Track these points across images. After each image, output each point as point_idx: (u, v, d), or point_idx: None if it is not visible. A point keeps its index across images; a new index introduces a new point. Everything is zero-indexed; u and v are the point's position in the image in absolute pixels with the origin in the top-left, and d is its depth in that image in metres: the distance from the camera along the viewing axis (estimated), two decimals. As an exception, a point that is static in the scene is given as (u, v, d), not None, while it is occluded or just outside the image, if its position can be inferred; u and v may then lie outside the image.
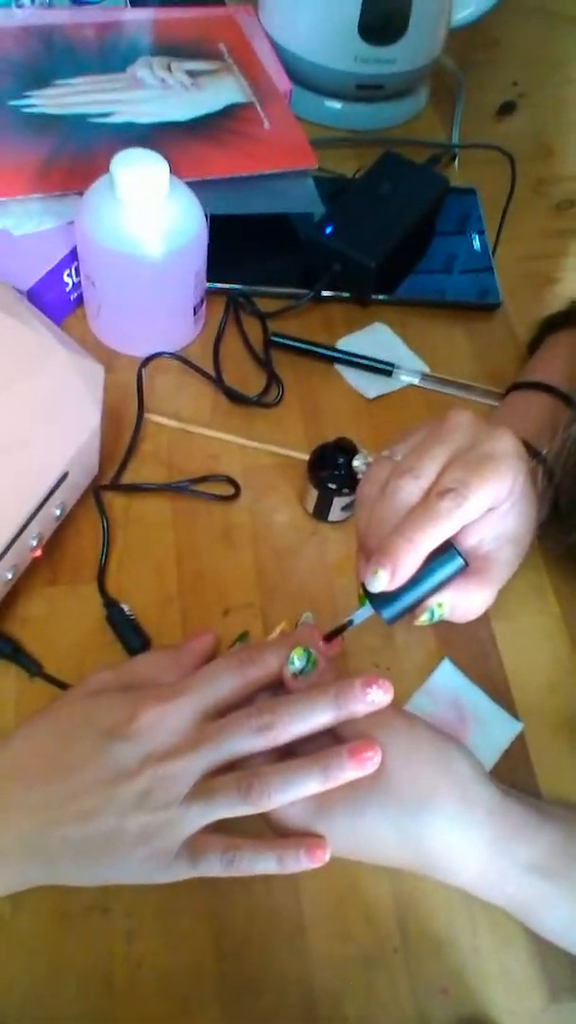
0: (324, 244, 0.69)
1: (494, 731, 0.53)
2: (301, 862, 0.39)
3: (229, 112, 0.75)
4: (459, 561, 0.42)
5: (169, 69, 0.77)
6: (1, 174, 0.66)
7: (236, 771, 0.40)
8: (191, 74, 0.77)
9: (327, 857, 0.39)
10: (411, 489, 0.42)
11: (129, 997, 0.43)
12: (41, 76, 0.73)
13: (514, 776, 0.51)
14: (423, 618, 0.43)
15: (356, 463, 0.50)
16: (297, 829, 0.40)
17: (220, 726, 0.41)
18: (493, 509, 0.43)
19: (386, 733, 0.40)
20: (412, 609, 0.43)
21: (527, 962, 0.46)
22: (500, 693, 0.54)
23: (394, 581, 0.41)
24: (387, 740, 0.40)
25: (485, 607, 0.45)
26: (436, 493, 0.41)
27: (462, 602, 0.44)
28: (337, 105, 0.88)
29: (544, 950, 0.46)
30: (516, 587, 0.57)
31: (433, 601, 0.43)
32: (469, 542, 0.44)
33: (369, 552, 0.46)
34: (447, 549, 0.42)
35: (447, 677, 0.54)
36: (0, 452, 0.45)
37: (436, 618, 0.44)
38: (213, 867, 0.39)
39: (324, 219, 0.70)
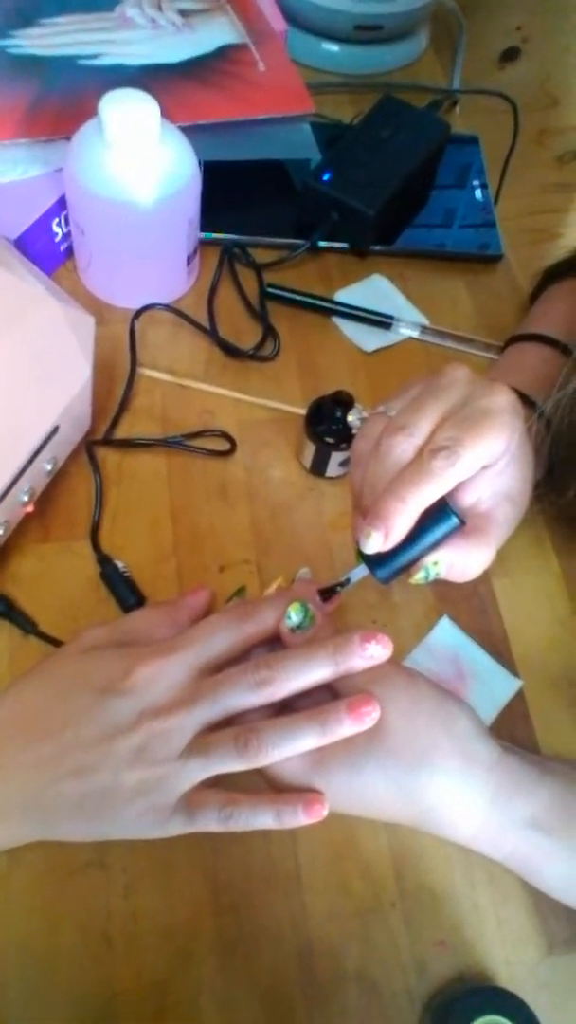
0: (321, 192, 0.67)
1: (493, 688, 0.52)
2: (299, 817, 0.39)
3: (222, 54, 0.72)
4: (454, 520, 0.41)
5: (160, 8, 0.73)
6: (-14, 118, 0.63)
7: (233, 726, 0.40)
8: (183, 13, 0.74)
9: (325, 812, 0.39)
10: (404, 447, 0.41)
11: (127, 951, 0.43)
12: (25, 14, 0.70)
13: (513, 733, 0.51)
14: (418, 576, 0.42)
15: (351, 418, 0.49)
16: (294, 785, 0.40)
17: (217, 681, 0.40)
18: (489, 467, 0.42)
19: (386, 688, 0.40)
20: (408, 568, 0.42)
21: (524, 915, 0.46)
22: (499, 650, 0.54)
23: (387, 542, 0.40)
24: (387, 695, 0.39)
25: (484, 566, 0.44)
26: (429, 451, 0.40)
27: (460, 561, 0.43)
28: (334, 47, 0.85)
29: (541, 904, 0.46)
30: (516, 544, 0.56)
31: (428, 560, 0.42)
32: (466, 501, 0.43)
33: (364, 510, 0.45)
34: (442, 507, 0.41)
35: (446, 634, 0.54)
36: (-12, 404, 0.44)
37: (432, 577, 0.43)
38: (210, 822, 0.39)
39: (321, 166, 0.68)
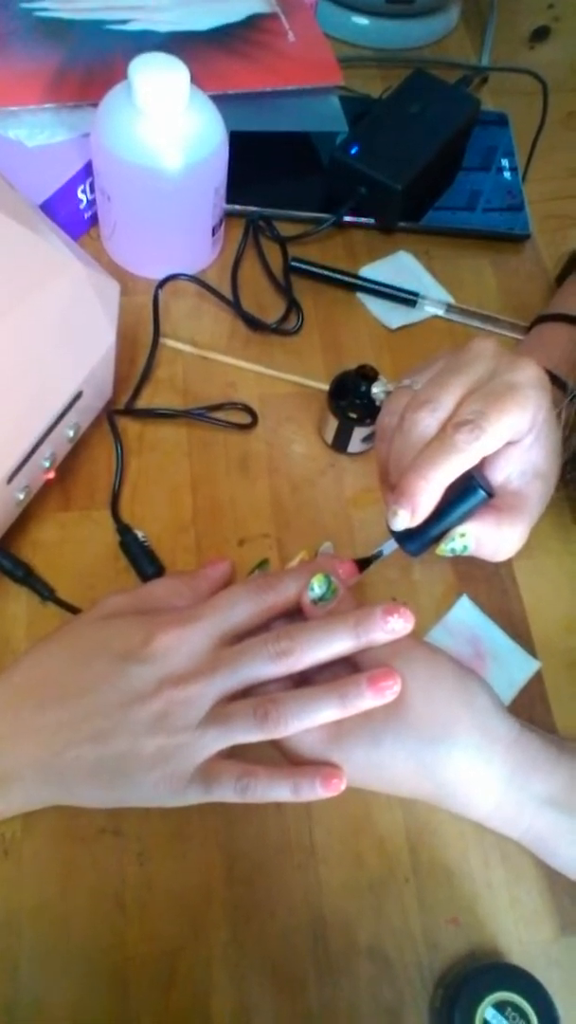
0: (349, 165, 0.66)
1: (511, 668, 0.52)
2: (317, 791, 0.38)
3: (252, 23, 0.71)
4: (481, 493, 0.41)
5: (189, -25, 0.72)
6: (14, 81, 0.62)
7: (252, 697, 0.40)
8: (212, -19, 0.73)
9: (343, 787, 0.39)
10: (428, 422, 0.41)
11: (140, 918, 0.43)
12: (54, -22, 0.69)
13: (531, 714, 0.51)
14: (445, 548, 0.42)
15: (375, 390, 0.48)
16: (312, 758, 0.39)
17: (237, 651, 0.40)
18: (516, 443, 0.42)
19: (406, 662, 0.40)
20: (437, 540, 0.42)
21: (538, 895, 0.46)
22: (518, 631, 0.53)
23: (415, 519, 0.40)
24: (407, 670, 0.39)
25: (519, 545, 0.44)
26: (452, 425, 0.39)
27: (494, 541, 0.43)
28: (364, 21, 0.83)
29: (555, 883, 0.46)
30: (538, 526, 0.55)
31: (457, 531, 0.42)
32: (496, 479, 0.43)
33: (390, 485, 0.44)
34: (468, 481, 0.40)
35: (465, 613, 0.53)
36: (13, 367, 0.43)
37: (460, 550, 0.42)
38: (227, 793, 0.39)
39: (349, 139, 0.67)
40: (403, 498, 0.40)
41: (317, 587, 0.41)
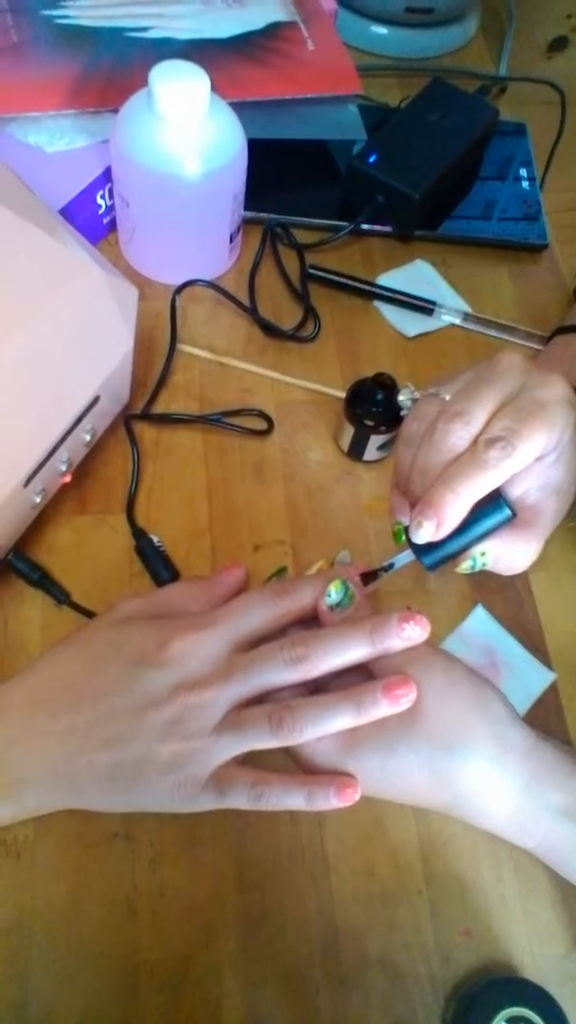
0: (367, 173, 0.66)
1: (526, 680, 0.52)
2: (331, 800, 0.38)
3: (271, 31, 0.71)
4: (506, 512, 0.40)
5: (210, -17, 0.73)
6: (34, 88, 0.63)
7: (267, 704, 0.40)
8: (233, -10, 0.73)
9: (357, 797, 0.38)
10: (460, 435, 0.40)
11: (151, 924, 0.43)
12: (76, -14, 0.70)
13: (546, 726, 0.50)
14: (465, 566, 0.42)
15: (401, 397, 0.48)
16: (326, 766, 0.39)
17: (252, 657, 0.40)
18: (540, 458, 0.41)
19: (422, 670, 0.39)
20: (455, 557, 0.42)
21: (551, 908, 0.45)
22: (534, 642, 0.53)
23: (439, 533, 0.40)
24: (423, 678, 0.39)
25: (532, 560, 0.43)
26: (484, 441, 0.39)
27: (508, 554, 0.42)
28: (383, 30, 0.84)
29: (569, 897, 0.46)
30: (554, 538, 0.55)
31: (477, 550, 0.42)
32: (515, 493, 0.43)
33: (408, 492, 0.44)
34: (495, 499, 0.40)
35: (480, 623, 0.53)
36: (31, 371, 0.44)
37: (479, 567, 0.42)
38: (240, 800, 0.39)
39: (367, 148, 0.67)
40: (429, 509, 0.39)
41: (334, 593, 0.41)
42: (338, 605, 0.41)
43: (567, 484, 0.44)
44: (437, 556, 0.42)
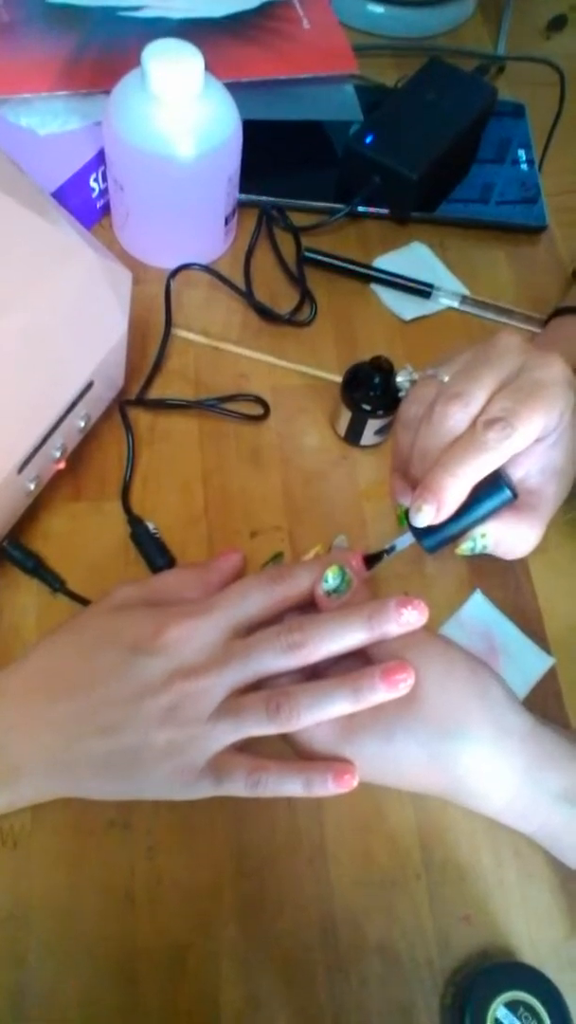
0: (363, 155, 0.65)
1: (525, 665, 0.51)
2: (328, 787, 0.38)
3: (266, 10, 0.70)
4: (507, 493, 0.40)
5: (203, -39, 0.72)
6: (26, 69, 0.62)
7: (264, 690, 0.39)
8: (227, -32, 0.72)
9: (355, 782, 0.38)
10: (459, 416, 0.40)
11: (149, 912, 0.43)
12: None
13: (545, 710, 0.50)
14: (465, 547, 0.42)
15: (399, 378, 0.47)
16: (323, 752, 0.39)
17: (249, 643, 0.40)
18: (540, 440, 0.41)
19: (420, 656, 0.39)
20: (455, 539, 0.42)
21: (550, 894, 0.45)
22: (532, 627, 0.52)
23: (439, 516, 0.40)
24: (421, 663, 0.39)
25: (534, 544, 0.43)
26: (483, 423, 0.39)
27: (510, 537, 0.42)
28: (379, 9, 0.82)
29: (568, 882, 0.45)
30: (553, 522, 0.55)
31: (478, 531, 0.41)
32: (515, 475, 0.42)
33: (408, 476, 0.44)
34: (495, 480, 0.40)
35: (478, 608, 0.53)
36: (24, 356, 0.43)
37: (479, 549, 0.42)
38: (237, 787, 0.38)
39: (363, 128, 0.66)
40: (429, 492, 0.39)
41: (332, 578, 0.41)
42: (335, 591, 0.41)
43: (567, 466, 0.44)
44: (437, 538, 0.41)
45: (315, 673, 0.41)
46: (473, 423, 0.40)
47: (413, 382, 0.45)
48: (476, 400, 0.40)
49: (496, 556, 0.44)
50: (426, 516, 0.39)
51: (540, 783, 0.39)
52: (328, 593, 0.41)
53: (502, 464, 0.40)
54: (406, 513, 0.41)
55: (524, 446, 0.40)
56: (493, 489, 0.40)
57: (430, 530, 0.41)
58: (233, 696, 0.39)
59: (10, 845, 0.43)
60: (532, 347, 0.42)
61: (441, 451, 0.40)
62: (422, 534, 0.41)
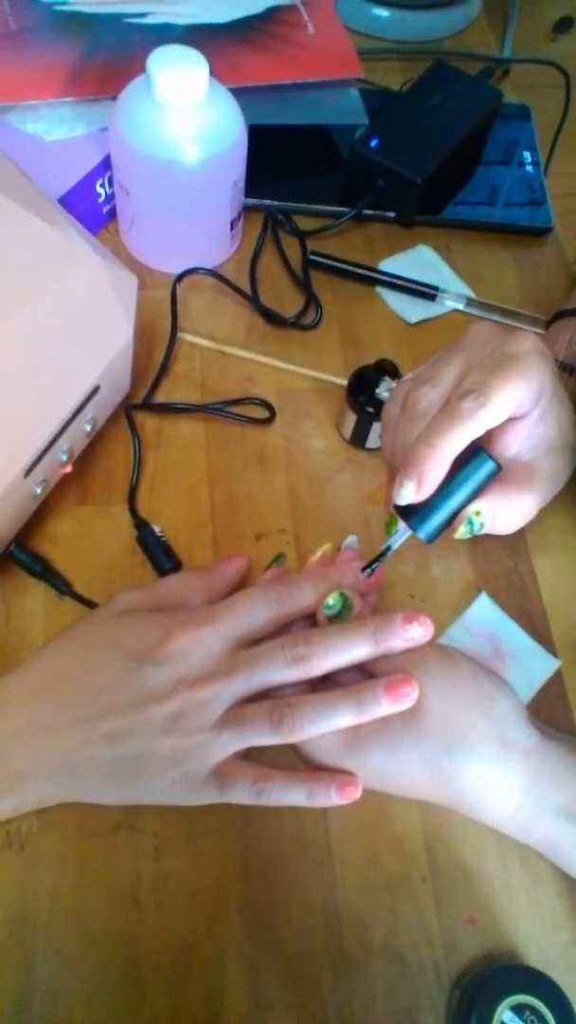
0: (369, 158, 0.65)
1: (531, 667, 0.51)
2: (332, 798, 0.38)
3: (272, 15, 0.70)
4: (490, 464, 0.40)
5: (209, -33, 0.72)
6: (33, 76, 0.62)
7: (268, 700, 0.39)
8: (232, -27, 0.72)
9: (358, 795, 0.38)
10: (430, 397, 0.40)
11: (155, 914, 0.43)
12: (73, -28, 0.69)
13: (550, 714, 0.50)
14: (462, 530, 0.41)
15: (379, 389, 0.48)
16: (327, 763, 0.39)
17: (254, 654, 0.40)
18: (524, 417, 0.41)
19: (424, 669, 0.39)
20: (450, 523, 0.41)
21: (556, 897, 0.45)
22: (538, 629, 0.52)
23: (422, 490, 0.39)
24: (425, 676, 0.39)
25: (528, 517, 0.43)
26: (456, 396, 0.39)
27: (502, 512, 0.42)
28: (384, 12, 0.83)
29: (574, 886, 0.45)
30: (557, 523, 0.55)
31: (471, 509, 0.41)
32: (507, 454, 0.42)
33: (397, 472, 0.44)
34: (476, 453, 0.40)
35: (484, 611, 0.53)
36: (30, 360, 0.43)
37: (477, 530, 0.41)
38: (241, 795, 0.39)
39: (369, 132, 0.66)
40: (410, 467, 0.39)
41: (332, 603, 0.41)
42: (337, 616, 0.41)
43: (562, 443, 0.44)
44: (431, 525, 0.41)
45: (319, 682, 0.41)
46: (446, 399, 0.40)
47: (391, 390, 0.45)
48: (446, 380, 0.40)
49: (492, 533, 0.43)
50: (408, 492, 0.39)
51: (542, 799, 0.39)
52: (330, 618, 0.41)
53: (481, 436, 0.39)
54: (396, 509, 0.41)
55: (502, 416, 0.39)
56: (477, 462, 0.40)
57: (423, 519, 0.40)
58: (237, 706, 0.39)
59: (17, 847, 0.43)
60: (502, 329, 0.42)
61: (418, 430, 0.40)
62: (416, 524, 0.41)
